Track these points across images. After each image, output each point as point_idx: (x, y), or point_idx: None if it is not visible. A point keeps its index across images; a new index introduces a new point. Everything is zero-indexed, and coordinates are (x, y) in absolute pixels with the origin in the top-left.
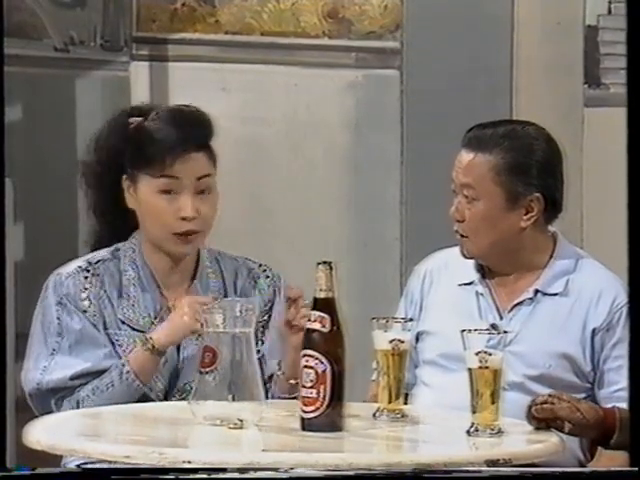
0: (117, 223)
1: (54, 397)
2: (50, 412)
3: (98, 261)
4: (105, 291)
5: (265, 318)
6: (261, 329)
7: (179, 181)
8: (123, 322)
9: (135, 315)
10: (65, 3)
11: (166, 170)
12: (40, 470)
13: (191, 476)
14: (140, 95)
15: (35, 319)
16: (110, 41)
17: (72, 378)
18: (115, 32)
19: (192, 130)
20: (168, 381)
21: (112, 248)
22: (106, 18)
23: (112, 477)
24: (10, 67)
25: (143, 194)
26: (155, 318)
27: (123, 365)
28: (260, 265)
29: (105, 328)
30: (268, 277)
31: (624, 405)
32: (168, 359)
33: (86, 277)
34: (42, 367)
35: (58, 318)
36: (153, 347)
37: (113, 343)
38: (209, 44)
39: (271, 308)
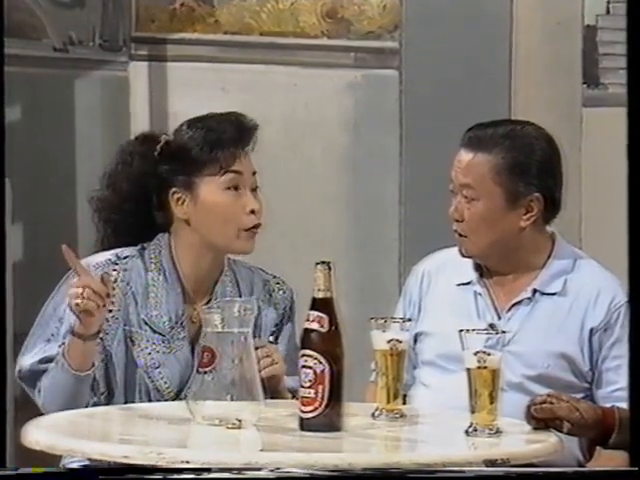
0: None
1: (36, 380)
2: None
3: (126, 256)
4: (131, 287)
5: (275, 331)
6: (274, 342)
7: (242, 176)
8: (145, 323)
9: (157, 317)
10: (64, 3)
11: (231, 166)
12: (23, 470)
13: (190, 476)
14: (139, 95)
15: (49, 300)
16: (109, 41)
17: (40, 361)
18: (114, 32)
19: (244, 126)
20: (179, 384)
21: (138, 247)
22: (105, 18)
23: (100, 477)
24: (9, 67)
25: (207, 196)
26: (176, 323)
27: (59, 346)
28: (274, 277)
29: (125, 324)
30: (281, 290)
31: (623, 405)
32: (182, 363)
33: (115, 270)
34: (34, 352)
35: (66, 305)
36: (73, 330)
37: (132, 340)
38: (208, 44)
39: (282, 322)
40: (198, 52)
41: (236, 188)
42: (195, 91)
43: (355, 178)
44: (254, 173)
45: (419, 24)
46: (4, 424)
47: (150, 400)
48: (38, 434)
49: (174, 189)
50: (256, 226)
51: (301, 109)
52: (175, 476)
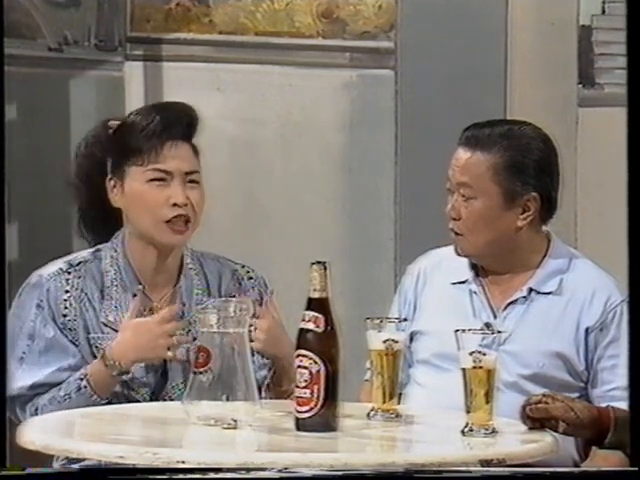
0: (97, 229)
1: (17, 404)
2: (16, 417)
3: (79, 262)
4: (86, 294)
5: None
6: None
7: (170, 175)
8: (106, 325)
9: (118, 317)
10: (59, 3)
11: (157, 160)
12: (38, 470)
13: (187, 476)
14: (134, 95)
15: (10, 317)
16: (104, 41)
17: (32, 387)
18: (109, 32)
19: (177, 117)
20: (155, 384)
21: (93, 249)
22: (100, 18)
23: (109, 477)
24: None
25: (132, 186)
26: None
27: (81, 379)
28: (243, 266)
29: (87, 332)
30: (252, 278)
31: (618, 404)
32: (155, 362)
33: (67, 279)
34: (10, 374)
35: (33, 321)
36: (121, 370)
37: (96, 347)
38: (203, 44)
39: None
40: (193, 52)
41: (161, 180)
42: (190, 91)
43: (351, 178)
44: (190, 173)
45: (415, 24)
46: (4, 424)
47: (128, 399)
48: (33, 434)
49: (110, 175)
50: (178, 218)
51: (296, 109)
52: (181, 476)
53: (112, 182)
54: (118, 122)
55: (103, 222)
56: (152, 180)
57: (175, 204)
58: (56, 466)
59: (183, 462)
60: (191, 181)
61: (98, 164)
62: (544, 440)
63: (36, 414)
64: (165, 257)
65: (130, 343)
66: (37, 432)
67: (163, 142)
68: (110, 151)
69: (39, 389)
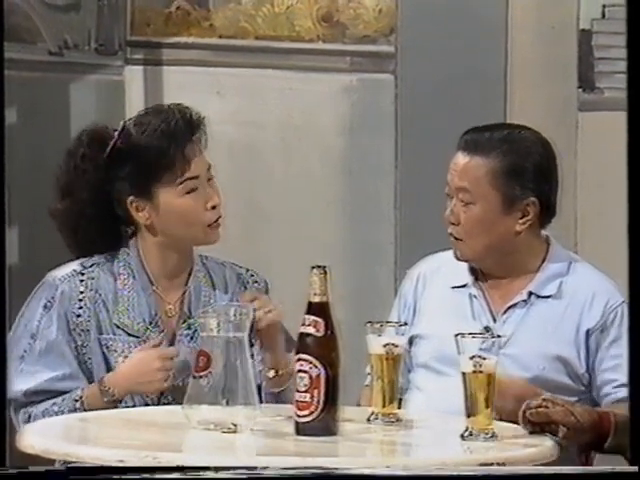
0: (107, 246)
1: (11, 406)
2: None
3: (92, 264)
4: (100, 295)
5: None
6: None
7: (199, 179)
8: (118, 327)
9: (130, 320)
10: (59, 7)
11: (187, 171)
12: (36, 468)
13: (150, 475)
14: (134, 99)
15: (18, 317)
16: (104, 45)
17: (26, 394)
18: (109, 36)
19: (197, 124)
20: None
21: (105, 253)
22: (100, 22)
23: (71, 477)
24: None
25: (167, 204)
26: (150, 323)
27: (76, 400)
28: (247, 270)
29: (99, 333)
30: (256, 282)
31: (625, 403)
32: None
33: (82, 280)
34: (11, 374)
35: (38, 321)
36: (113, 398)
37: (107, 347)
38: (203, 48)
39: None
40: (193, 56)
41: (194, 189)
42: (190, 95)
43: (351, 181)
44: (209, 168)
45: (415, 28)
46: (4, 424)
47: (134, 403)
48: (33, 438)
49: (132, 198)
50: (218, 219)
51: (297, 113)
52: (146, 475)
53: (136, 204)
54: (116, 138)
55: (107, 235)
56: (188, 193)
57: (214, 206)
58: None
59: (183, 466)
60: (209, 179)
61: (105, 184)
62: (544, 444)
63: (28, 422)
64: (187, 260)
65: (128, 373)
66: (37, 436)
67: (189, 150)
68: (125, 171)
69: (32, 397)
